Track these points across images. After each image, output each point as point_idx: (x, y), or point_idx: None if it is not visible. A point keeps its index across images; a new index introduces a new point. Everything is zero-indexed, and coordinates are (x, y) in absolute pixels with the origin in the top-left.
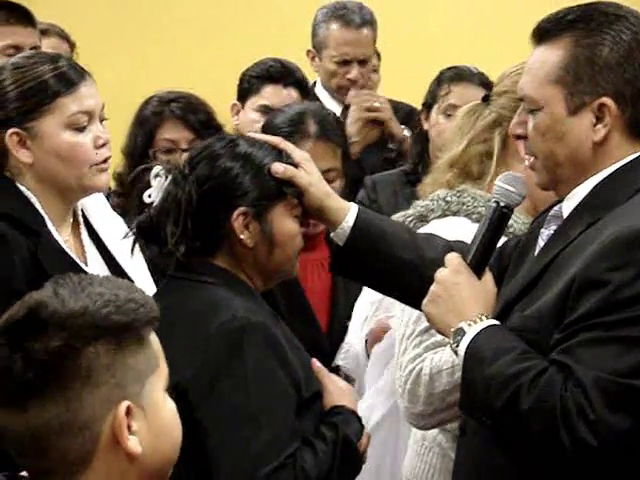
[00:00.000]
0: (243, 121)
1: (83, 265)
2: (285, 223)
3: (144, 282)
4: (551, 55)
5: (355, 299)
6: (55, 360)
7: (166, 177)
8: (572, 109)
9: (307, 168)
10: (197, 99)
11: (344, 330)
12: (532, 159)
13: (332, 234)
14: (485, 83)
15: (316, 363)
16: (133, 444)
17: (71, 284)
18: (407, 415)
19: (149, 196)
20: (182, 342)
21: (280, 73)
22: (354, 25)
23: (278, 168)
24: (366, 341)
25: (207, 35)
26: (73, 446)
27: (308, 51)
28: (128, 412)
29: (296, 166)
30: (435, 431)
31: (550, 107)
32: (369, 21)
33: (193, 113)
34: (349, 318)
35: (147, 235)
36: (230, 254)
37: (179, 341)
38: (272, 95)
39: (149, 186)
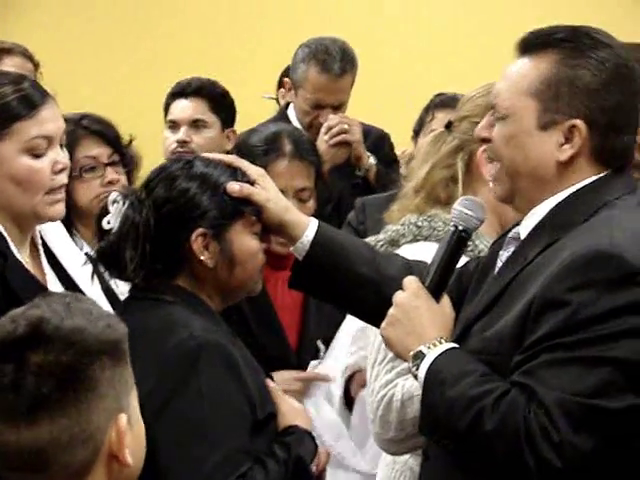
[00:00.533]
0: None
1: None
2: (245, 241)
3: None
4: (533, 68)
5: (327, 318)
6: (68, 374)
7: (123, 202)
8: (542, 124)
9: (263, 184)
10: (101, 116)
11: (314, 348)
12: (495, 168)
13: (292, 248)
14: None
15: (271, 383)
16: (127, 454)
17: (60, 301)
18: (379, 441)
19: (108, 222)
20: (140, 360)
21: (181, 87)
22: (333, 74)
23: (234, 187)
24: (347, 380)
25: (171, 59)
26: (77, 458)
27: (285, 82)
28: None
29: (252, 183)
30: (406, 455)
31: (521, 117)
32: (349, 67)
33: (106, 127)
34: (319, 337)
35: (108, 261)
36: (191, 275)
37: (138, 359)
38: (176, 109)
39: (107, 212)
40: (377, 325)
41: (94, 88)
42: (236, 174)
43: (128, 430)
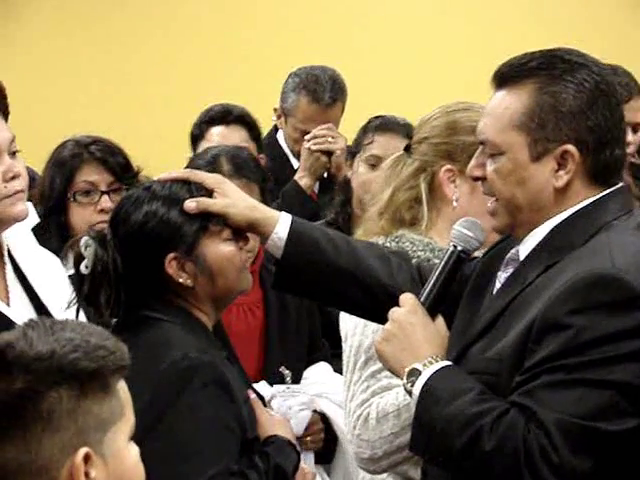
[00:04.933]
0: None
1: (3, 306)
2: (218, 251)
3: None
4: (514, 100)
5: (292, 344)
6: (17, 402)
7: (94, 245)
8: (535, 155)
9: (222, 191)
10: (113, 143)
11: (278, 375)
12: (492, 203)
13: (266, 245)
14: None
15: (251, 395)
16: None
17: (42, 327)
18: (358, 460)
19: (86, 267)
20: (133, 378)
21: (220, 114)
22: (324, 104)
23: (190, 205)
24: None
25: (162, 80)
26: None
27: (275, 109)
28: (87, 459)
29: (211, 193)
30: (384, 474)
31: (513, 152)
32: (339, 96)
33: (112, 156)
34: (284, 363)
35: (91, 304)
36: (177, 293)
37: (130, 377)
38: (217, 136)
39: (83, 257)
40: (360, 316)
41: (84, 107)
42: (191, 189)
43: (101, 466)
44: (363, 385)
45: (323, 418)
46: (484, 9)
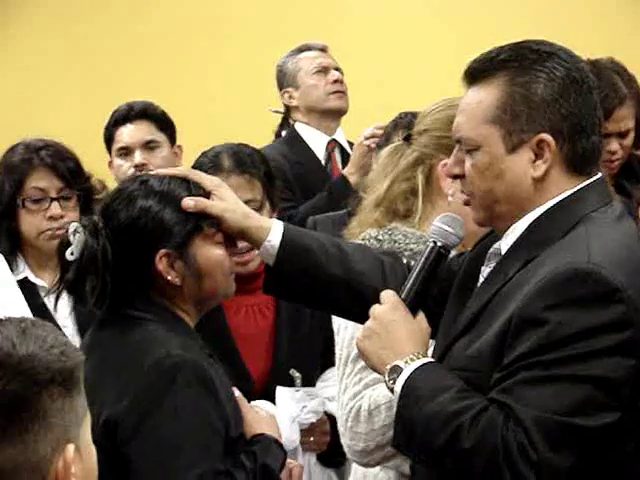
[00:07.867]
0: (114, 171)
1: None
2: (208, 253)
3: None
4: (487, 95)
5: (304, 346)
6: (15, 403)
7: (84, 232)
8: (510, 147)
9: (220, 194)
10: (65, 147)
11: (287, 377)
12: (468, 196)
13: (256, 252)
14: None
15: (236, 392)
16: None
17: (13, 327)
18: (351, 453)
19: (71, 254)
20: (114, 378)
21: (122, 112)
22: (319, 47)
23: (188, 203)
24: None
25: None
26: None
27: (283, 93)
28: None
29: (208, 194)
30: (377, 469)
31: (489, 146)
32: (327, 49)
33: (62, 161)
34: (293, 365)
35: (74, 292)
36: (162, 291)
37: (111, 377)
38: (124, 135)
39: (70, 244)
40: (353, 320)
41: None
42: (190, 187)
43: (78, 460)
44: (356, 378)
45: (332, 421)
46: (483, 4)
